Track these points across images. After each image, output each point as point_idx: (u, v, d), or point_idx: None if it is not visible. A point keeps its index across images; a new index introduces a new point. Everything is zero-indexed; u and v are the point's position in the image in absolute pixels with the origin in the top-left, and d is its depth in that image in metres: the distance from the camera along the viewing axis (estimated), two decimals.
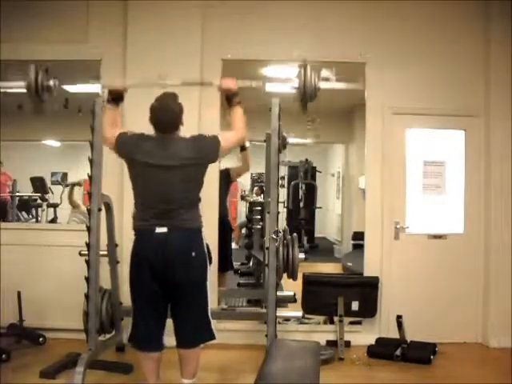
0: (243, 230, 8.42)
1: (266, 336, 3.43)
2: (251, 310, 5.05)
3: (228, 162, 5.46)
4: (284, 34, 4.46)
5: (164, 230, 2.82)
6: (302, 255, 3.75)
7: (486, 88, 4.50)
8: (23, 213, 8.55)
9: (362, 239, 4.65)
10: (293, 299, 4.68)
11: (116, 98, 3.10)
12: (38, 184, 8.52)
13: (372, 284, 4.39)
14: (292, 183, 10.28)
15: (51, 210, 8.52)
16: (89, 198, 3.52)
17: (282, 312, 4.30)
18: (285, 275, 3.78)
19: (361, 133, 4.82)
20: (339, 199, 10.33)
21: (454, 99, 4.51)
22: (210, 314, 2.97)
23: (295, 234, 3.82)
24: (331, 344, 4.22)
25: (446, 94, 4.51)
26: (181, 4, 4.34)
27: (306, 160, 10.24)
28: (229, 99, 3.10)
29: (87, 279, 3.48)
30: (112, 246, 3.79)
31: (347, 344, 4.22)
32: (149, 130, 2.93)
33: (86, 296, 3.51)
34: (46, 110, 3.13)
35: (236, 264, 6.44)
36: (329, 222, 11.93)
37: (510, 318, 4.26)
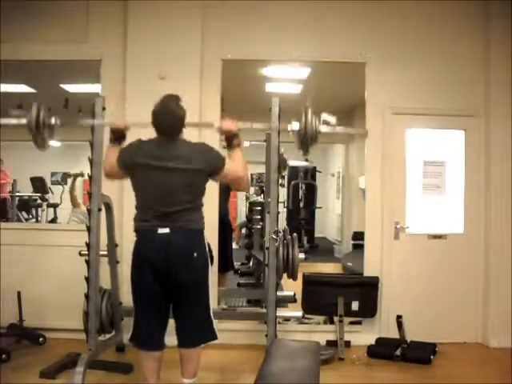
0: (243, 230, 8.43)
1: (266, 336, 3.43)
2: (251, 310, 5.06)
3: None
4: (284, 34, 4.46)
5: (166, 230, 2.82)
6: (301, 255, 3.75)
7: (486, 88, 4.50)
8: (23, 213, 8.56)
9: (362, 239, 4.65)
10: (293, 299, 4.69)
11: (118, 136, 3.07)
12: (38, 184, 8.53)
13: (372, 284, 4.39)
14: (292, 183, 10.28)
15: (51, 209, 8.53)
16: (89, 198, 3.53)
17: (282, 312, 4.30)
18: (285, 275, 3.78)
19: None
20: (339, 199, 10.33)
21: (454, 99, 4.51)
22: (212, 313, 2.97)
23: (295, 234, 3.82)
24: (331, 344, 4.22)
25: (446, 94, 4.51)
26: (181, 4, 4.34)
27: (306, 160, 10.24)
28: (228, 140, 3.05)
29: (87, 279, 3.48)
30: (112, 246, 3.79)
31: (347, 344, 4.22)
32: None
33: (86, 296, 3.51)
34: (47, 142, 3.16)
35: (236, 264, 6.44)
36: (329, 222, 11.94)
37: (510, 318, 4.26)
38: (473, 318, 4.47)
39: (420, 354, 3.99)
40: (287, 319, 4.58)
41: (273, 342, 3.18)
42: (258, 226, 6.66)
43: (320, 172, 10.97)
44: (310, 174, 10.55)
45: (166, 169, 2.83)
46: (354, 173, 8.50)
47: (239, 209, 11.53)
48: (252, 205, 8.14)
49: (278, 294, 3.60)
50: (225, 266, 5.07)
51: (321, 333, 4.39)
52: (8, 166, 8.15)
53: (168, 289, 2.86)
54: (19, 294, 4.19)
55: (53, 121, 3.11)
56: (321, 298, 4.35)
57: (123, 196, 3.94)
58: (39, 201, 8.58)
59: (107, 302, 3.79)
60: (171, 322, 2.96)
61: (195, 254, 2.87)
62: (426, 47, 4.50)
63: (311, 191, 10.39)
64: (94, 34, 4.45)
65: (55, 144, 9.85)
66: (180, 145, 2.92)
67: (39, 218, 8.61)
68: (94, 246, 3.48)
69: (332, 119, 3.19)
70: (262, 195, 8.63)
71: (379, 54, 4.48)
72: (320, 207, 10.92)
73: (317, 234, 11.08)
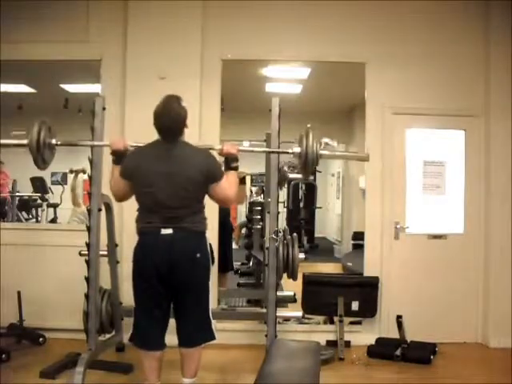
0: (243, 230, 8.42)
1: (266, 336, 3.43)
2: (251, 310, 5.05)
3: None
4: (284, 34, 4.46)
5: (169, 231, 2.82)
6: (302, 255, 3.75)
7: (486, 88, 4.50)
8: (23, 213, 8.55)
9: (362, 239, 4.65)
10: (293, 299, 4.69)
11: (118, 157, 3.01)
12: (38, 184, 8.52)
13: (372, 284, 4.39)
14: (292, 183, 10.28)
15: (51, 209, 8.53)
16: (89, 198, 3.53)
17: (282, 312, 4.30)
18: (285, 275, 3.78)
19: (361, 133, 4.82)
20: (339, 199, 10.33)
21: (454, 99, 4.51)
22: (211, 314, 2.98)
23: (295, 234, 3.82)
24: (331, 344, 4.22)
25: (446, 93, 4.51)
26: (181, 4, 4.34)
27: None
28: (227, 162, 3.04)
29: (87, 279, 3.48)
30: (112, 246, 3.79)
31: (347, 344, 4.22)
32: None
33: (86, 296, 3.51)
34: (49, 162, 3.16)
35: (236, 264, 6.44)
36: (329, 222, 11.94)
37: (510, 318, 4.26)
38: (473, 318, 4.47)
39: (420, 354, 3.99)
40: (287, 319, 4.57)
41: (273, 342, 3.18)
42: (258, 226, 6.64)
43: (320, 172, 10.95)
44: None
45: (167, 171, 2.82)
46: (354, 173, 8.50)
47: (239, 209, 11.52)
48: (252, 205, 8.13)
49: (278, 293, 3.60)
50: (225, 266, 5.07)
51: (321, 333, 4.38)
52: (8, 166, 8.15)
53: (169, 289, 2.87)
54: (19, 293, 4.18)
55: (53, 141, 3.11)
56: (321, 297, 4.35)
57: None
58: (39, 201, 8.58)
59: (107, 302, 3.79)
60: (171, 322, 2.96)
61: (198, 255, 2.87)
62: (426, 47, 4.50)
63: (311, 191, 10.38)
64: (94, 34, 4.45)
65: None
66: (181, 147, 2.91)
67: (39, 218, 8.60)
68: (94, 245, 3.48)
69: (333, 143, 3.21)
70: (262, 195, 8.63)
71: (379, 54, 4.48)
72: (320, 207, 10.91)
73: (317, 234, 11.07)
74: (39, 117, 3.10)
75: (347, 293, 4.33)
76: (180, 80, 4.23)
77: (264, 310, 3.79)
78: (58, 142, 3.12)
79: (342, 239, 9.44)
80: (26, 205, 8.59)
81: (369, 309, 4.37)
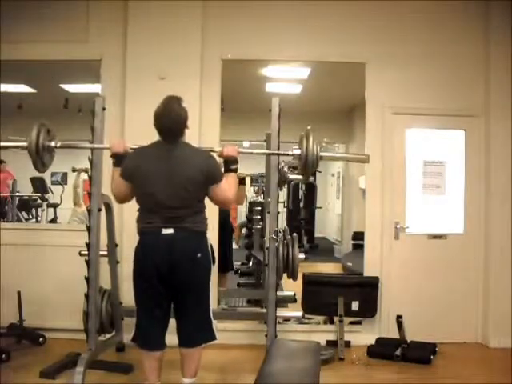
0: (243, 230, 8.42)
1: (266, 336, 3.43)
2: (251, 310, 5.05)
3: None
4: (284, 34, 4.46)
5: (170, 231, 2.82)
6: (301, 255, 3.75)
7: (486, 88, 4.50)
8: (23, 213, 8.55)
9: (362, 239, 4.65)
10: (293, 299, 4.69)
11: (118, 159, 3.01)
12: (38, 184, 8.52)
13: (372, 284, 4.39)
14: (292, 183, 10.27)
15: (51, 209, 8.53)
16: (89, 198, 3.53)
17: (282, 312, 4.30)
18: (285, 275, 3.78)
19: (361, 133, 4.82)
20: (339, 199, 10.32)
21: (454, 99, 4.51)
22: (211, 314, 2.98)
23: (295, 234, 3.82)
24: (331, 344, 4.22)
25: (446, 94, 4.51)
26: (181, 4, 4.34)
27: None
28: (227, 164, 3.04)
29: (87, 279, 3.48)
30: (112, 246, 3.79)
31: (347, 344, 4.22)
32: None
33: (86, 296, 3.51)
34: (48, 165, 3.16)
35: (236, 264, 6.43)
36: (329, 222, 11.93)
37: (510, 318, 4.26)
38: (473, 318, 4.47)
39: (420, 353, 3.99)
40: (287, 319, 4.57)
41: (273, 342, 3.18)
42: (258, 226, 6.64)
43: (320, 172, 10.95)
44: None
45: (167, 171, 2.83)
46: (354, 173, 8.50)
47: (239, 209, 11.51)
48: (252, 205, 8.13)
49: (278, 294, 3.60)
50: (225, 266, 5.06)
51: (321, 333, 4.39)
52: (8, 166, 8.15)
53: (170, 289, 2.87)
54: (19, 293, 4.18)
55: (53, 144, 3.10)
56: (321, 297, 4.35)
57: None
58: (39, 201, 8.57)
59: (107, 302, 3.78)
60: (171, 322, 2.96)
61: (199, 255, 2.88)
62: (426, 47, 4.50)
63: (311, 191, 10.37)
64: (94, 34, 4.45)
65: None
66: (182, 148, 2.91)
67: (39, 218, 8.60)
68: (94, 245, 3.48)
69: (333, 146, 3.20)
70: (262, 195, 8.63)
71: (379, 54, 4.48)
72: (320, 207, 10.91)
73: (317, 234, 11.06)
74: (39, 117, 3.10)
75: (347, 293, 4.33)
76: (180, 80, 4.23)
77: (264, 310, 3.79)
78: (58, 145, 3.11)
79: (342, 239, 9.43)
80: (26, 205, 8.59)
81: (369, 309, 4.37)
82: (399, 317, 4.33)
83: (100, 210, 3.53)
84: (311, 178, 10.46)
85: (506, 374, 3.63)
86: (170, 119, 2.86)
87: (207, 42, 4.40)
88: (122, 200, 3.06)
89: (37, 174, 8.69)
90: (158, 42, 4.32)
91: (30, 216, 8.69)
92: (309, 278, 4.41)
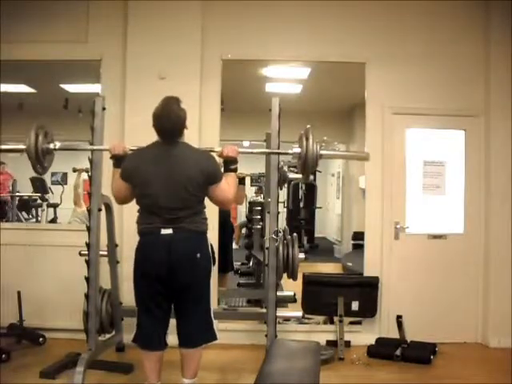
0: (243, 230, 8.42)
1: (266, 336, 3.43)
2: (251, 310, 5.05)
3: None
4: (284, 34, 4.46)
5: (169, 231, 2.83)
6: (301, 255, 3.74)
7: (486, 88, 4.50)
8: (23, 213, 8.55)
9: (362, 239, 4.65)
10: (293, 299, 4.69)
11: (118, 160, 3.02)
12: (38, 184, 8.51)
13: (372, 284, 4.39)
14: (292, 183, 10.27)
15: (51, 209, 8.52)
16: (89, 198, 3.53)
17: (282, 312, 4.30)
18: (285, 275, 3.77)
19: (361, 133, 4.82)
20: (339, 199, 10.31)
21: (454, 99, 4.51)
22: (212, 314, 2.98)
23: (295, 234, 3.81)
24: (331, 344, 4.22)
25: (446, 94, 4.51)
26: (181, 4, 4.34)
27: None
28: (226, 164, 3.05)
29: (87, 279, 3.48)
30: (112, 246, 3.79)
31: (347, 344, 4.22)
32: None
33: (86, 296, 3.51)
34: (47, 167, 3.16)
35: (236, 264, 6.43)
36: (329, 222, 11.92)
37: (510, 318, 4.26)
38: (473, 318, 4.47)
39: (420, 353, 3.99)
40: (287, 319, 4.57)
41: (273, 342, 3.18)
42: (258, 226, 6.63)
43: (320, 172, 10.94)
44: None
45: (166, 172, 2.83)
46: (354, 173, 8.49)
47: (239, 209, 11.51)
48: (252, 205, 8.12)
49: (278, 294, 3.60)
50: (225, 266, 5.06)
51: (321, 333, 4.39)
52: (8, 166, 8.15)
53: (170, 289, 2.87)
54: (19, 293, 4.18)
55: (51, 146, 3.10)
56: (321, 298, 4.36)
57: None
58: (39, 201, 8.57)
59: (107, 302, 3.78)
60: (172, 322, 2.97)
61: (198, 256, 2.88)
62: (426, 47, 4.50)
63: (311, 191, 10.36)
64: (94, 34, 4.45)
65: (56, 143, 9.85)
66: (181, 148, 2.92)
67: (39, 218, 8.60)
68: (93, 245, 3.48)
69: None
70: (262, 195, 8.62)
71: (379, 54, 4.48)
72: (320, 207, 10.90)
73: (317, 234, 11.05)
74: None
75: (347, 293, 4.33)
76: (180, 80, 4.23)
77: (264, 310, 3.78)
78: (57, 147, 3.11)
79: (342, 239, 9.42)
80: (26, 205, 8.59)
81: (369, 309, 4.37)
82: (399, 317, 4.33)
83: (100, 210, 3.53)
84: (311, 178, 10.47)
85: (506, 374, 3.63)
86: (170, 120, 2.86)
87: (207, 42, 4.40)
88: (122, 201, 3.06)
89: (37, 174, 8.72)
90: (157, 41, 4.32)
91: (30, 216, 8.69)
92: (309, 278, 4.41)
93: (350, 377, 3.71)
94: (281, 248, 3.59)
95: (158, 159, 2.87)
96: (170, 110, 2.87)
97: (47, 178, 8.90)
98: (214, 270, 3.48)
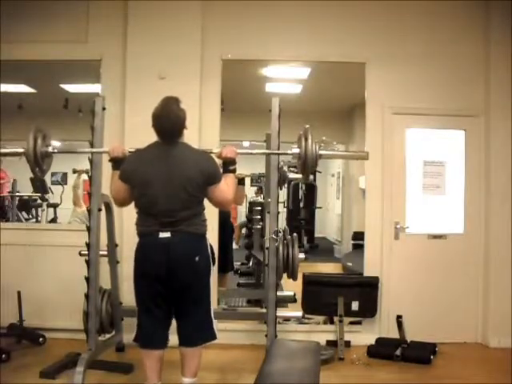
0: (243, 230, 8.42)
1: (266, 336, 3.43)
2: (251, 310, 5.05)
3: None
4: (284, 34, 4.46)
5: (167, 234, 2.82)
6: (302, 255, 3.74)
7: (486, 88, 4.50)
8: (23, 213, 8.55)
9: (362, 239, 4.65)
10: (293, 299, 4.69)
11: (117, 162, 3.02)
12: (38, 184, 8.51)
13: (372, 284, 4.39)
14: (292, 183, 10.27)
15: (51, 209, 8.52)
16: (89, 197, 3.53)
17: (282, 312, 4.30)
18: (285, 275, 3.78)
19: (361, 133, 4.82)
20: (339, 199, 10.31)
21: (454, 99, 4.51)
22: (212, 314, 2.98)
23: (295, 234, 3.82)
24: (331, 344, 4.22)
25: (446, 94, 4.51)
26: (181, 4, 4.34)
27: None
28: (225, 165, 3.04)
29: (87, 279, 3.48)
30: (112, 246, 3.79)
31: (347, 344, 4.22)
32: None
33: (86, 296, 3.51)
34: (46, 170, 3.16)
35: (236, 264, 6.43)
36: (329, 222, 11.92)
37: (510, 318, 4.26)
38: (473, 318, 4.47)
39: (420, 353, 3.99)
40: (287, 319, 4.57)
41: (273, 342, 3.18)
42: (258, 226, 6.64)
43: (320, 172, 10.94)
44: None
45: (166, 172, 2.83)
46: (354, 173, 8.49)
47: (239, 209, 11.51)
48: (252, 205, 8.12)
49: (278, 294, 3.60)
50: (225, 266, 5.06)
51: (321, 333, 4.39)
52: (8, 166, 8.14)
53: (170, 290, 2.87)
54: (19, 293, 4.18)
55: (50, 149, 3.10)
56: (321, 298, 4.35)
57: None
58: (39, 201, 8.57)
59: (107, 302, 3.79)
60: (172, 322, 2.97)
61: (197, 258, 2.87)
62: (426, 47, 4.50)
63: (311, 191, 10.36)
64: (94, 34, 4.45)
65: (55, 144, 9.86)
66: (180, 148, 2.91)
67: (39, 218, 8.60)
68: (93, 245, 3.48)
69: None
70: (262, 195, 8.62)
71: (379, 54, 4.48)
72: (320, 207, 10.90)
73: (317, 234, 11.05)
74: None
75: (347, 293, 4.33)
76: (180, 80, 4.23)
77: (264, 310, 3.79)
78: (55, 150, 3.11)
79: (342, 239, 9.42)
80: (26, 205, 8.58)
81: (369, 309, 4.37)
82: (399, 317, 4.33)
83: (100, 210, 3.53)
84: (311, 178, 10.47)
85: (506, 374, 3.62)
86: (169, 120, 2.86)
87: (207, 42, 4.40)
88: (121, 203, 3.06)
89: None
90: (157, 41, 4.32)
91: (30, 216, 8.69)
92: (309, 278, 4.41)
93: (350, 377, 3.71)
94: (281, 248, 3.59)
95: (158, 160, 2.86)
96: (169, 110, 2.87)
97: (47, 178, 8.89)
98: (214, 270, 3.48)
